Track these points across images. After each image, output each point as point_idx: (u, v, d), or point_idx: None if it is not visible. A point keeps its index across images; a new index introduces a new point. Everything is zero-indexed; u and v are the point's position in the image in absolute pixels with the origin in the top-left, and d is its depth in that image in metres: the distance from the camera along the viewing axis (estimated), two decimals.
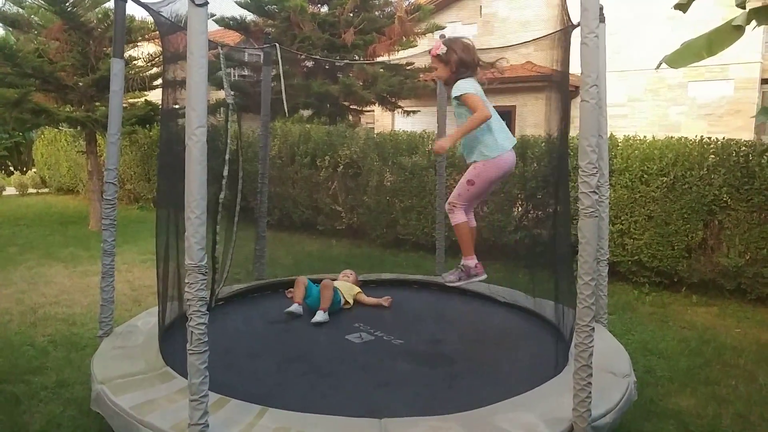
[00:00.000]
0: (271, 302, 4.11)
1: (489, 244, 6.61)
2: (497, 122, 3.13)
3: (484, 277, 3.24)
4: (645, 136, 5.98)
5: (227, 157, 3.55)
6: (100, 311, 3.12)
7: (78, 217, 9.83)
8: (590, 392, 2.14)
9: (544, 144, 6.36)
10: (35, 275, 6.01)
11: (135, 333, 3.10)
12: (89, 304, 4.93)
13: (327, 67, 10.41)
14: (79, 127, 8.43)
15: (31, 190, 14.38)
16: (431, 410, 2.38)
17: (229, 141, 3.60)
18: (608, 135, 5.91)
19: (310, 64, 10.54)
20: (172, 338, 2.87)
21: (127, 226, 8.36)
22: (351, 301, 4.01)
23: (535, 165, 6.37)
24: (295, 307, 3.75)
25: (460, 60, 3.09)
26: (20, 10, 7.81)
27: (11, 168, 17.75)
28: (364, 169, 7.54)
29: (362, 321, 3.62)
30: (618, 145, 5.88)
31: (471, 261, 3.21)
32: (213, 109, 9.79)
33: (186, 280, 1.92)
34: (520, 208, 6.69)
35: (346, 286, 4.09)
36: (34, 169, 15.77)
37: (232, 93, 3.70)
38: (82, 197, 12.15)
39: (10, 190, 14.47)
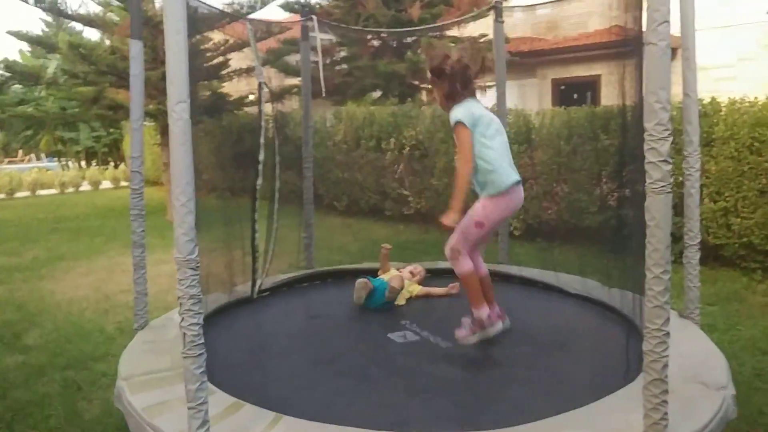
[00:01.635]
0: (318, 294, 3.89)
1: (569, 227, 6.08)
2: (497, 157, 2.73)
3: (501, 327, 2.84)
4: (756, 98, 5.15)
5: (262, 141, 3.35)
6: (135, 304, 3.03)
7: (159, 207, 10.20)
8: (665, 413, 1.71)
9: (630, 114, 5.73)
10: (114, 264, 6.22)
11: (168, 326, 2.98)
12: (157, 293, 4.99)
13: (394, 44, 10.08)
14: (153, 121, 8.66)
15: (123, 183, 15.22)
16: (469, 424, 2.05)
17: (263, 123, 3.38)
18: (710, 99, 5.27)
19: (377, 43, 10.25)
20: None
21: (201, 216, 8.53)
22: (403, 301, 3.63)
23: (620, 139, 5.73)
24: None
25: (454, 76, 2.75)
26: (95, 9, 8.09)
27: (112, 163, 18.99)
28: (430, 150, 7.18)
29: (411, 318, 3.30)
30: (721, 110, 5.12)
31: (483, 312, 2.79)
32: (279, 96, 9.77)
33: (177, 276, 1.70)
34: (604, 187, 6.07)
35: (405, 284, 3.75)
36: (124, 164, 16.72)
37: (263, 71, 3.48)
38: (165, 188, 12.70)
39: (106, 184, 15.40)
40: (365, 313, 3.47)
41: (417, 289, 3.75)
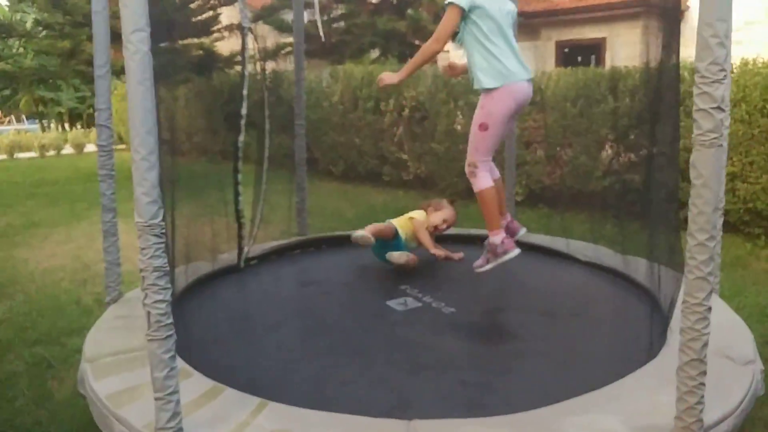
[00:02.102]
0: (310, 261, 3.64)
1: (573, 193, 5.83)
2: (502, 48, 2.49)
3: (516, 252, 2.67)
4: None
5: (245, 92, 3.05)
6: (106, 275, 2.75)
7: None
8: (702, 396, 1.50)
9: (639, 76, 5.45)
10: (96, 231, 5.90)
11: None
12: (136, 262, 4.76)
13: (395, 1, 9.64)
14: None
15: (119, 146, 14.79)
16: (477, 408, 1.82)
17: (246, 73, 3.08)
18: None
19: (375, 0, 9.81)
20: (179, 305, 2.47)
21: (192, 180, 8.25)
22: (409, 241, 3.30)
23: (628, 101, 5.44)
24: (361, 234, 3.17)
25: None
26: None
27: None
28: (431, 112, 6.87)
29: (411, 283, 3.05)
30: (732, 71, 4.85)
31: (497, 237, 2.63)
32: (273, 53, 9.37)
33: (138, 244, 1.44)
34: (609, 150, 5.81)
35: (407, 217, 3.41)
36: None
37: (248, 14, 3.15)
38: None
39: (90, 147, 14.94)
40: (361, 279, 3.26)
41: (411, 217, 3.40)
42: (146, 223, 1.43)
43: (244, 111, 3.04)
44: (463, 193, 6.82)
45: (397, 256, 3.18)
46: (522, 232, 2.96)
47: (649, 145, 2.59)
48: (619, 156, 5.70)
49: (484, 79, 2.52)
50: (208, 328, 2.51)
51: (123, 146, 14.85)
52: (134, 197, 1.43)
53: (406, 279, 3.14)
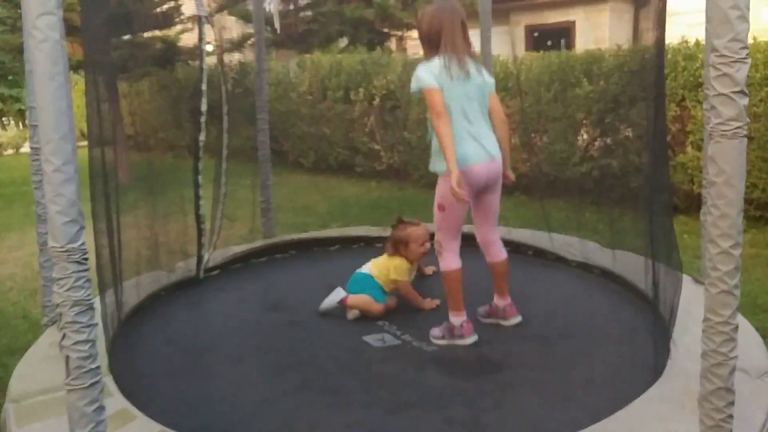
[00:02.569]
0: (277, 272, 3.32)
1: (550, 180, 5.68)
2: (458, 132, 2.31)
3: (473, 339, 2.41)
4: None
5: (203, 88, 2.77)
6: (42, 293, 2.44)
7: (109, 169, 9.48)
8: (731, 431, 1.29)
9: (612, 58, 5.30)
10: None
11: None
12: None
13: None
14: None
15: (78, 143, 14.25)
16: None
17: (204, 67, 2.80)
18: (695, 40, 4.87)
19: None
20: (126, 331, 2.20)
21: (159, 177, 7.89)
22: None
23: (603, 83, 5.28)
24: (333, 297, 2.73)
25: (424, 36, 2.43)
26: None
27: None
28: (402, 100, 6.63)
29: (389, 318, 2.72)
30: (700, 54, 4.72)
31: (457, 319, 2.42)
32: (239, 44, 8.99)
33: (54, 274, 1.19)
34: (585, 136, 5.67)
35: (385, 266, 2.85)
36: None
37: (203, 2, 2.86)
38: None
39: None
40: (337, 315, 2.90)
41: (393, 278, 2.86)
42: (63, 249, 1.17)
43: (203, 107, 2.76)
44: (435, 184, 6.63)
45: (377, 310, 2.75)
46: (514, 321, 2.57)
47: (637, 127, 2.41)
48: (595, 140, 5.57)
49: (436, 163, 2.39)
50: (159, 359, 2.24)
51: (85, 143, 14.35)
52: (48, 217, 1.17)
53: (385, 314, 2.79)
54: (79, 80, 12.94)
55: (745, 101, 1.14)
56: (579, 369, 2.11)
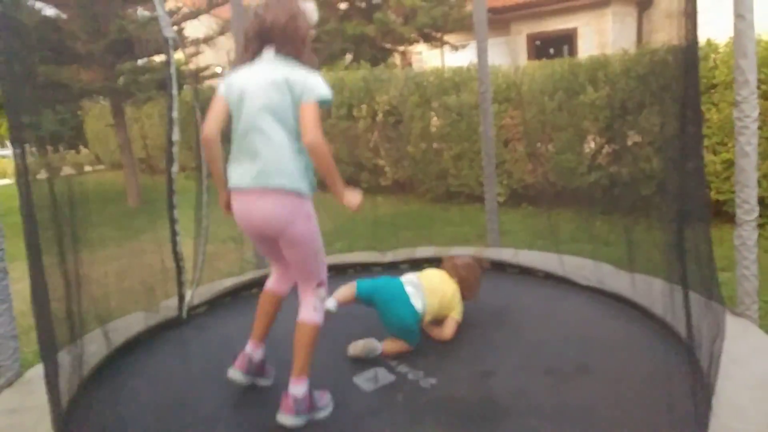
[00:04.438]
0: None
1: (557, 190, 5.62)
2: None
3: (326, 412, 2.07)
4: (759, 35, 4.60)
5: (174, 115, 2.70)
6: None
7: (121, 193, 9.54)
8: None
9: (618, 63, 5.25)
10: (51, 265, 5.60)
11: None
12: (102, 296, 4.41)
13: (363, 5, 9.39)
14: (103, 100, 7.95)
15: (87, 168, 14.37)
16: None
17: (175, 93, 2.74)
18: (705, 40, 4.77)
19: (344, 6, 9.54)
20: (89, 389, 2.06)
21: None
22: (429, 319, 2.46)
23: (608, 89, 5.23)
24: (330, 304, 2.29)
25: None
26: None
27: (74, 149, 17.96)
28: (405, 115, 6.62)
29: (381, 338, 2.47)
30: (719, 50, 4.64)
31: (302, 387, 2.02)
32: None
33: None
34: (593, 144, 5.59)
35: (446, 290, 2.50)
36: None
37: (169, 21, 2.83)
38: (124, 171, 11.98)
39: (67, 170, 14.52)
40: (323, 337, 2.58)
41: (449, 314, 2.49)
42: None
43: (175, 136, 2.67)
44: (441, 197, 6.62)
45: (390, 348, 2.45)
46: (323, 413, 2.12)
47: (668, 133, 2.22)
48: (602, 148, 5.50)
49: None
50: (120, 423, 2.01)
51: (102, 167, 14.46)
52: None
53: (378, 333, 2.58)
54: (92, 106, 13.10)
55: None
56: (598, 420, 1.85)
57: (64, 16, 7.25)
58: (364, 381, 2.28)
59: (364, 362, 2.41)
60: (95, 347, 2.41)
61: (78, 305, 2.04)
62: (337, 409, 2.08)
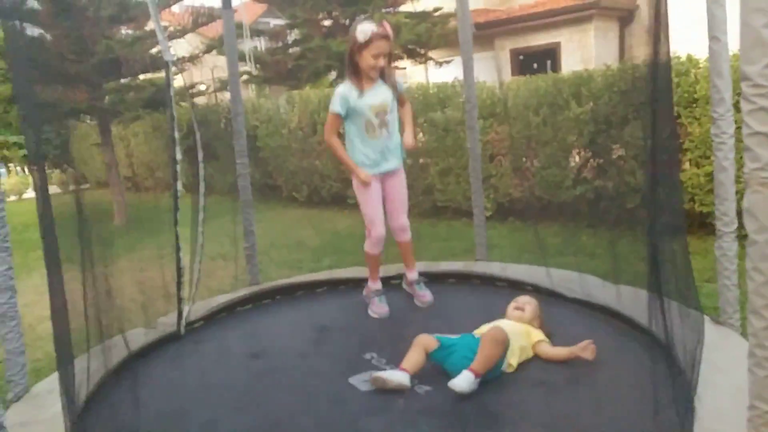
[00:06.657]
0: (262, 318, 3.22)
1: (543, 204, 5.69)
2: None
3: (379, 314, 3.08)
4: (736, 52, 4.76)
5: (176, 135, 2.74)
6: (6, 367, 2.33)
7: (106, 213, 9.48)
8: None
9: (600, 78, 5.34)
10: (45, 283, 5.56)
11: (56, 393, 2.13)
12: (98, 313, 4.39)
13: (347, 23, 9.49)
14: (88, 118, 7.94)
15: (72, 187, 14.27)
16: None
17: (174, 114, 2.78)
18: (686, 55, 4.85)
19: (328, 23, 9.64)
20: (97, 403, 2.11)
21: (161, 215, 7.84)
22: (515, 363, 2.35)
23: (592, 104, 5.31)
24: (400, 378, 2.25)
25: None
26: None
27: (59, 168, 17.81)
28: None
29: (377, 349, 2.54)
30: (699, 66, 4.73)
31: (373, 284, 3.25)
32: (227, 84, 9.10)
33: None
34: (578, 158, 5.67)
35: (519, 331, 2.44)
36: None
37: (170, 46, 2.88)
38: (111, 190, 11.95)
39: (54, 189, 14.39)
40: (319, 345, 2.79)
41: (535, 339, 2.45)
42: None
43: (178, 155, 2.73)
44: (428, 212, 6.64)
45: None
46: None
47: (631, 147, 2.29)
48: (587, 162, 5.58)
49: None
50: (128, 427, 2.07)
51: (87, 185, 14.37)
52: None
53: (372, 343, 2.69)
54: (78, 125, 13.07)
55: None
56: (590, 424, 1.89)
57: (48, 36, 7.25)
58: (359, 381, 2.35)
59: (360, 364, 2.49)
60: (95, 364, 2.44)
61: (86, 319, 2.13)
62: (330, 403, 2.23)
